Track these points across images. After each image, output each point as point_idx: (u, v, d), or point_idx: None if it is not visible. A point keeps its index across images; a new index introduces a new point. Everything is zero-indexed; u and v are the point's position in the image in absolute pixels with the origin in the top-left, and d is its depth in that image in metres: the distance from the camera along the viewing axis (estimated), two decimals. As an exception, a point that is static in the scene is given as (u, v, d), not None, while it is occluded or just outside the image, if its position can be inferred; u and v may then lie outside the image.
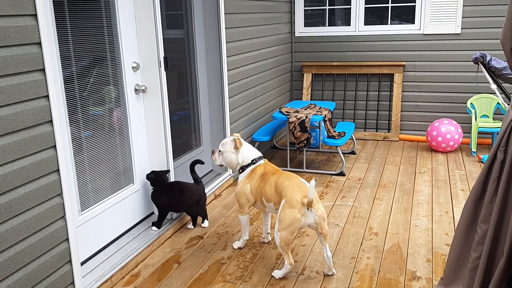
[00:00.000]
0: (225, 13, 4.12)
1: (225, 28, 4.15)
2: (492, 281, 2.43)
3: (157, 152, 3.50)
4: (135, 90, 3.31)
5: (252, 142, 4.89)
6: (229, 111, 4.35)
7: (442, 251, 3.14)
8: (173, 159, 3.74)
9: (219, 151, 3.19)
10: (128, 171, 3.34)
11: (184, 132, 4.13)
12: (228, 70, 4.27)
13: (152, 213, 3.60)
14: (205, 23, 4.11)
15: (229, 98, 4.32)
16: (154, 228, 3.38)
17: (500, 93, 4.66)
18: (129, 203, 3.35)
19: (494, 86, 4.62)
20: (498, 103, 5.23)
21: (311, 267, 3.00)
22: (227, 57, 4.22)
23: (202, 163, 3.58)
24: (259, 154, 3.22)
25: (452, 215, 3.69)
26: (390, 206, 3.91)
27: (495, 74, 4.60)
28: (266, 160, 3.25)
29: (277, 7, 5.51)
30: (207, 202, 4.00)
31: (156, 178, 3.37)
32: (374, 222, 3.62)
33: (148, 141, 3.49)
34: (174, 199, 3.38)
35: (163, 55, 3.32)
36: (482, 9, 5.24)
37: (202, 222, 3.58)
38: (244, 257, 3.15)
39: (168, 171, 3.46)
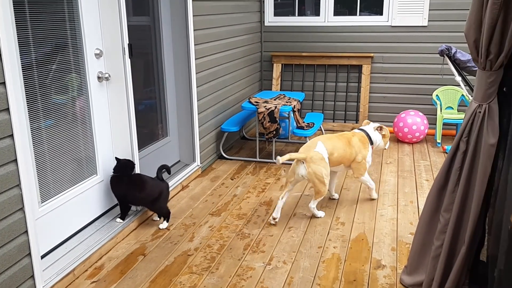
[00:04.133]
0: (192, 0, 4.04)
1: (193, 16, 4.07)
2: (453, 269, 2.49)
3: (122, 142, 3.41)
4: (98, 78, 3.20)
5: (221, 133, 4.85)
6: (197, 101, 4.28)
7: (407, 240, 3.19)
8: (139, 149, 3.65)
9: None
10: (91, 161, 3.24)
11: (150, 121, 4.05)
12: (196, 59, 4.20)
13: (117, 204, 3.51)
14: (172, 9, 4.01)
15: (197, 87, 4.26)
16: (118, 220, 3.30)
17: (465, 85, 4.77)
18: (92, 194, 3.26)
19: (459, 78, 4.72)
20: (462, 95, 5.34)
21: (278, 257, 3.00)
22: (195, 45, 4.14)
23: (169, 171, 3.47)
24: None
25: (416, 205, 3.76)
26: (357, 196, 3.95)
27: (460, 66, 4.69)
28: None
29: (246, -5, 5.46)
30: (174, 194, 3.95)
31: (121, 165, 3.27)
32: (341, 212, 3.64)
33: (112, 130, 3.40)
34: (130, 193, 3.26)
35: (128, 42, 3.22)
36: (448, 2, 5.32)
37: (161, 223, 3.40)
38: (211, 248, 3.12)
39: (133, 165, 3.34)
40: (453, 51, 4.63)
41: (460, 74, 4.68)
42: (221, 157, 4.86)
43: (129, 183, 3.27)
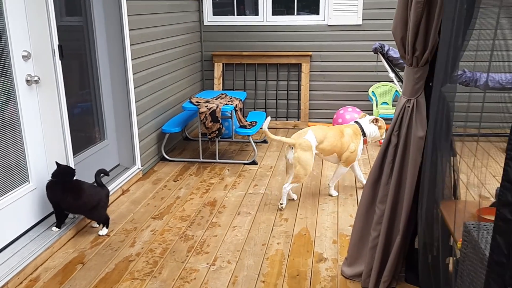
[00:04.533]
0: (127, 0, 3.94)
1: (128, 15, 3.97)
2: (390, 257, 2.59)
3: (55, 148, 3.26)
4: (27, 81, 3.05)
5: (162, 134, 4.77)
6: (135, 102, 4.18)
7: (347, 232, 3.29)
8: (75, 154, 3.52)
9: None
10: (21, 169, 3.08)
11: (86, 125, 3.91)
12: (132, 59, 4.09)
13: (53, 212, 3.36)
14: (105, 9, 3.89)
15: (134, 88, 4.16)
16: (54, 228, 3.16)
17: (398, 81, 4.97)
18: (24, 203, 3.10)
19: (392, 75, 4.91)
20: (396, 90, 5.57)
21: (222, 257, 2.99)
22: (131, 45, 4.04)
23: (107, 174, 3.37)
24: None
25: (356, 198, 3.88)
26: (300, 192, 4.02)
27: (393, 63, 4.89)
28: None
29: (184, -5, 5.40)
30: (114, 198, 3.84)
31: (60, 170, 3.13)
32: (285, 208, 3.69)
33: (44, 136, 3.24)
34: (65, 200, 3.11)
35: (58, 43, 3.09)
36: (380, 1, 5.53)
37: (101, 229, 3.29)
38: (154, 252, 3.06)
39: (73, 172, 3.20)
40: (386, 48, 4.81)
41: (393, 71, 4.88)
42: (163, 159, 4.78)
43: (65, 190, 3.13)
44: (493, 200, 3.15)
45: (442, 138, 2.49)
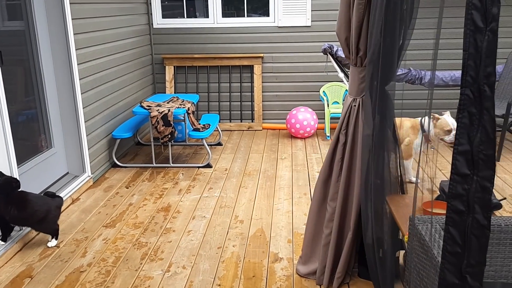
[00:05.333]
0: (70, 3, 3.82)
1: (72, 19, 3.85)
2: (342, 254, 2.64)
3: (-2, 158, 3.11)
4: (-37, 88, 2.89)
5: (113, 140, 4.66)
6: (83, 108, 4.06)
7: (301, 231, 3.33)
8: (19, 164, 3.37)
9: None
10: (-39, 181, 2.91)
11: (32, 133, 3.75)
12: (78, 64, 3.97)
13: (-3, 226, 3.21)
14: (48, 13, 3.75)
15: (81, 93, 4.04)
16: (-1, 242, 3.02)
17: (347, 81, 5.09)
18: (-35, 217, 2.94)
19: (341, 75, 5.02)
20: (346, 90, 5.70)
21: (177, 262, 2.95)
22: (76, 49, 3.92)
23: (54, 195, 3.24)
24: None
25: (309, 196, 3.93)
26: (255, 193, 4.03)
27: (341, 63, 5.00)
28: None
29: (132, -3, 5.30)
30: (63, 208, 3.71)
31: (2, 182, 2.98)
32: (240, 210, 3.69)
33: (-15, 145, 3.09)
34: (9, 213, 2.96)
35: (-4, 48, 2.95)
36: (328, 3, 5.64)
37: (49, 241, 3.16)
38: (106, 261, 2.98)
39: (17, 183, 3.05)
40: (335, 49, 4.91)
41: (342, 71, 4.99)
42: (114, 165, 4.66)
43: (9, 202, 2.98)
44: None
45: (387, 135, 2.57)
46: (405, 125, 3.89)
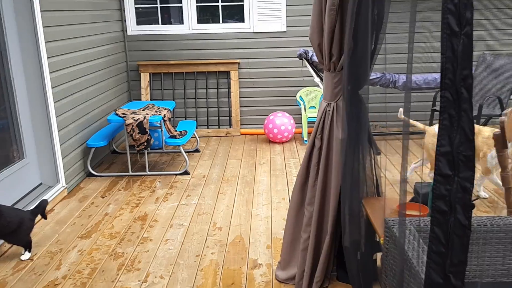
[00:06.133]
0: (41, 10, 3.75)
1: (43, 27, 3.78)
2: (321, 258, 2.64)
3: (-33, 170, 3.02)
4: None
5: (88, 149, 4.58)
6: (56, 117, 3.98)
7: (280, 236, 3.32)
8: (-10, 175, 3.28)
9: None
10: None
11: (2, 144, 3.66)
12: (51, 72, 3.90)
13: (-33, 240, 3.11)
14: (17, 21, 3.68)
15: (54, 102, 3.96)
16: (-31, 257, 2.92)
17: (323, 86, 5.13)
18: None
19: (317, 79, 5.06)
20: (322, 94, 5.74)
21: (155, 272, 2.91)
22: (48, 58, 3.85)
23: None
24: None
25: (288, 201, 3.94)
26: (233, 199, 4.01)
27: (317, 68, 5.04)
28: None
29: (104, 4, 5.23)
30: (36, 220, 3.62)
31: None
32: (218, 217, 3.67)
33: (-47, 158, 2.99)
34: None
35: (-37, 58, 2.87)
36: (303, 9, 5.69)
37: (22, 254, 3.09)
38: (82, 273, 2.91)
39: None
40: (310, 54, 4.95)
41: (318, 76, 5.03)
42: (90, 174, 4.58)
43: (-22, 214, 2.91)
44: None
45: (362, 138, 2.59)
46: (481, 134, 3.44)
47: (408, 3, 1.54)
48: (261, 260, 3.03)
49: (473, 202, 2.55)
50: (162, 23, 5.94)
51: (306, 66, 5.09)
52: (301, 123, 5.70)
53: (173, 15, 6.02)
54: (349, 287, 2.71)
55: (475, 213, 3.49)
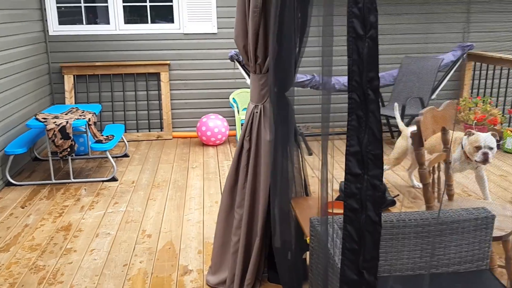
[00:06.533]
0: None
1: (-51, 25, 3.47)
2: (251, 260, 2.63)
3: None
4: None
5: (5, 156, 4.28)
6: (-33, 123, 3.68)
7: (212, 241, 3.27)
8: None
9: (490, 148, 2.96)
10: None
11: None
12: (-41, 75, 3.60)
13: None
14: None
15: (-36, 107, 3.66)
16: None
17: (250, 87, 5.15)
18: None
19: (249, 81, 5.07)
20: (254, 96, 5.76)
21: (79, 284, 2.76)
22: (-44, 59, 3.55)
23: None
24: None
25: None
26: (164, 205, 3.91)
27: (249, 70, 5.05)
28: None
29: (23, 3, 4.92)
30: None
31: None
32: (148, 224, 3.56)
33: None
34: None
35: None
36: (234, 10, 5.65)
37: None
38: (-4, 291, 2.70)
39: None
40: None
41: (250, 77, 5.03)
42: (8, 183, 4.28)
43: None
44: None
45: (289, 140, 2.61)
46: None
47: (333, 7, 1.57)
48: (192, 266, 2.97)
49: (395, 198, 2.65)
50: (87, 23, 5.69)
51: (238, 68, 5.09)
52: (235, 125, 5.68)
53: (99, 15, 5.79)
54: (280, 287, 2.72)
55: (400, 208, 3.65)
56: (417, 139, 2.34)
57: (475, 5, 6.02)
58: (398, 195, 2.82)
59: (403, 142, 3.85)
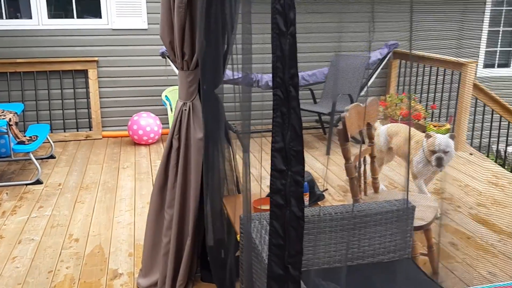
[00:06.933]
0: None
1: None
2: (183, 260, 2.59)
3: None
4: None
5: None
6: None
7: (143, 243, 3.19)
8: None
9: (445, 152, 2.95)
10: None
11: None
12: None
13: None
14: None
15: None
16: None
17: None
18: None
19: (181, 78, 4.99)
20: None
21: (-2, 296, 2.59)
22: None
23: None
24: None
25: (153, 205, 3.81)
26: (93, 207, 3.76)
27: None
28: None
29: None
30: None
31: None
32: (75, 228, 3.40)
33: None
34: None
35: None
36: (164, 7, 5.56)
37: None
38: None
39: None
40: (172, 53, 4.86)
41: (181, 75, 4.96)
42: None
43: None
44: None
45: (220, 137, 2.60)
46: (414, 138, 3.38)
47: (261, 5, 1.56)
48: (122, 269, 2.88)
49: (323, 192, 2.72)
50: (8, 18, 5.34)
51: (170, 65, 4.99)
52: (168, 123, 5.58)
53: (21, 9, 5.45)
54: (213, 286, 2.70)
55: (332, 202, 3.75)
56: (343, 135, 2.41)
57: (398, 5, 6.32)
58: (326, 189, 2.90)
59: (376, 141, 3.61)
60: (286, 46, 1.18)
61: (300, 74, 5.56)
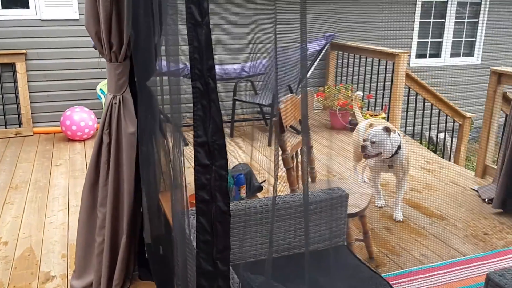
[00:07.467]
0: None
1: None
2: (119, 259, 2.51)
3: None
4: None
5: None
6: None
7: (76, 243, 3.06)
8: None
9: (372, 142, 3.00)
10: None
11: None
12: None
13: None
14: None
15: None
16: None
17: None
18: None
19: (116, 71, 4.82)
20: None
21: None
22: None
23: None
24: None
25: (88, 203, 3.66)
26: (23, 208, 3.56)
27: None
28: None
29: None
30: None
31: None
32: (3, 231, 3.21)
33: None
34: None
35: None
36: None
37: None
38: None
39: None
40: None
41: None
42: None
43: None
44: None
45: (155, 131, 2.52)
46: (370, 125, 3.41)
47: None
48: (55, 271, 2.75)
49: (262, 184, 2.72)
50: None
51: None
52: (104, 118, 5.37)
53: None
54: (152, 284, 2.64)
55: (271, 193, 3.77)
56: (279, 126, 2.42)
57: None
58: (265, 180, 2.91)
59: (355, 135, 3.61)
60: (203, 36, 1.15)
61: (240, 65, 5.54)
